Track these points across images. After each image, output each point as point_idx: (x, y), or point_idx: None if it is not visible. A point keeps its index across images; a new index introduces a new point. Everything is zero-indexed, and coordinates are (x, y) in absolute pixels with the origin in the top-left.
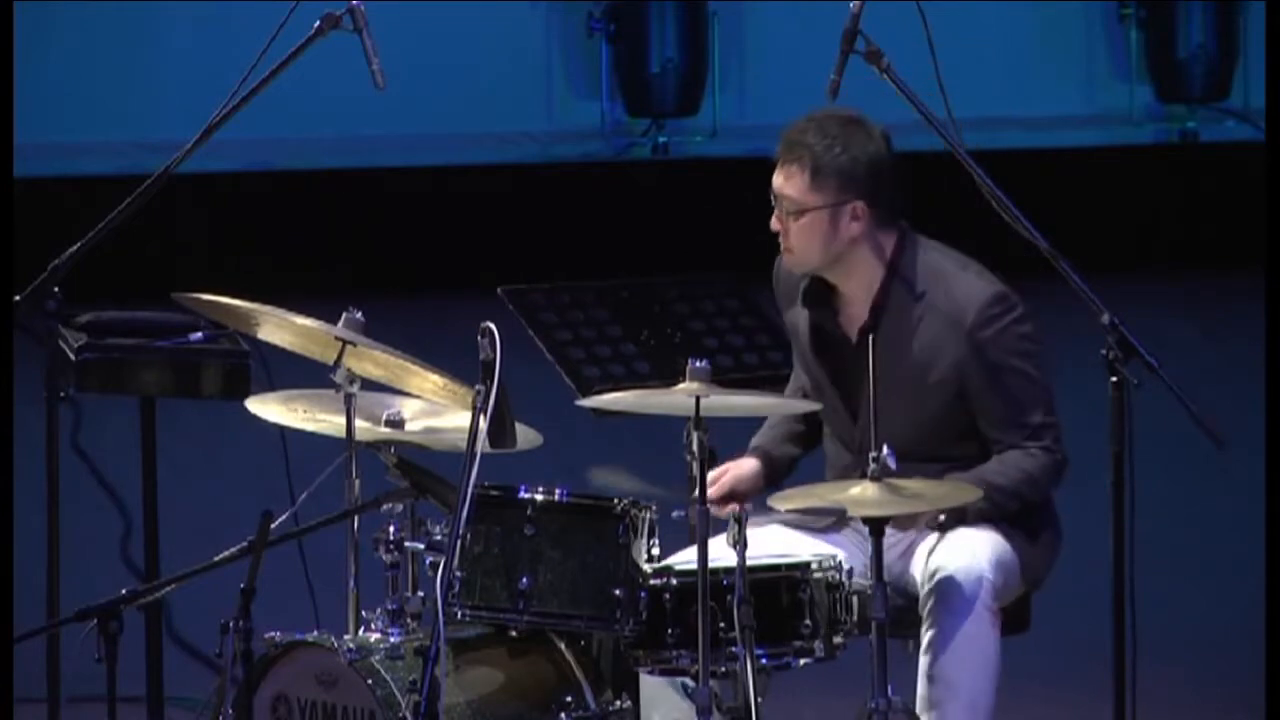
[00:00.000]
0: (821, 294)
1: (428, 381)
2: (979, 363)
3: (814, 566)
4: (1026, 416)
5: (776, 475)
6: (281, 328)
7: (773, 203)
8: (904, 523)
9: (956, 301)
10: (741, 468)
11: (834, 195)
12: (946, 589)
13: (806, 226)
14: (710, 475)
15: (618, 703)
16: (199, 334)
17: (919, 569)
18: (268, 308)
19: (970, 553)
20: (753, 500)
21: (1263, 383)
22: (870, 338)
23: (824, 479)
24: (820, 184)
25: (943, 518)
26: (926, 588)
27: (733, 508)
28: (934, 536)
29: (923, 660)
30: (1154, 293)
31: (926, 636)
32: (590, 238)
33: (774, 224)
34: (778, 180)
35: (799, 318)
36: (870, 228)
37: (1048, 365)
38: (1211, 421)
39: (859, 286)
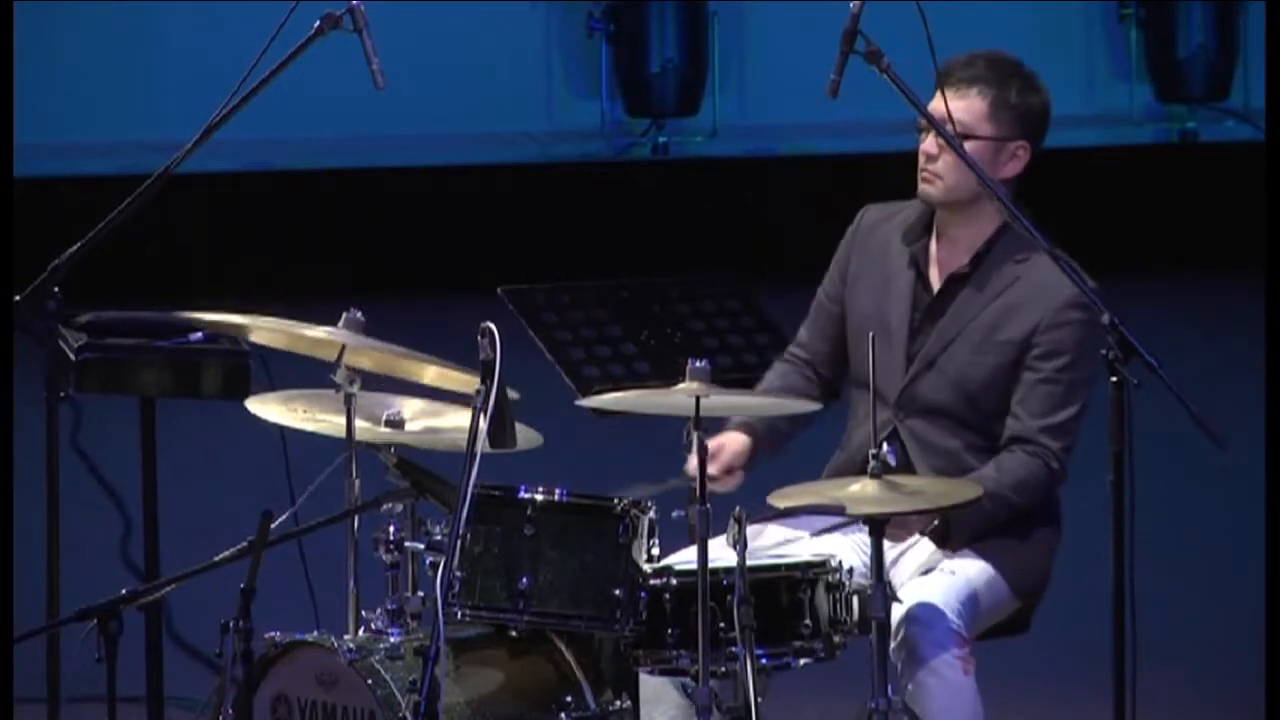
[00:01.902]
0: (923, 233)
1: (429, 371)
2: (1050, 336)
3: (814, 566)
4: (1055, 409)
5: (763, 446)
6: (282, 337)
7: (919, 127)
8: (897, 534)
9: (1054, 278)
10: (734, 442)
11: (1006, 129)
12: (915, 641)
13: (969, 154)
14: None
15: (618, 703)
16: (199, 334)
17: (899, 584)
18: (269, 320)
19: (938, 596)
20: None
21: (1263, 383)
22: (871, 337)
23: (835, 455)
24: (997, 115)
25: (935, 521)
26: (898, 638)
27: (731, 480)
28: (912, 563)
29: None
30: (1154, 293)
31: (906, 689)
32: (590, 238)
33: (928, 145)
34: (947, 104)
35: (886, 259)
36: (1018, 176)
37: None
38: (1212, 421)
39: (970, 235)
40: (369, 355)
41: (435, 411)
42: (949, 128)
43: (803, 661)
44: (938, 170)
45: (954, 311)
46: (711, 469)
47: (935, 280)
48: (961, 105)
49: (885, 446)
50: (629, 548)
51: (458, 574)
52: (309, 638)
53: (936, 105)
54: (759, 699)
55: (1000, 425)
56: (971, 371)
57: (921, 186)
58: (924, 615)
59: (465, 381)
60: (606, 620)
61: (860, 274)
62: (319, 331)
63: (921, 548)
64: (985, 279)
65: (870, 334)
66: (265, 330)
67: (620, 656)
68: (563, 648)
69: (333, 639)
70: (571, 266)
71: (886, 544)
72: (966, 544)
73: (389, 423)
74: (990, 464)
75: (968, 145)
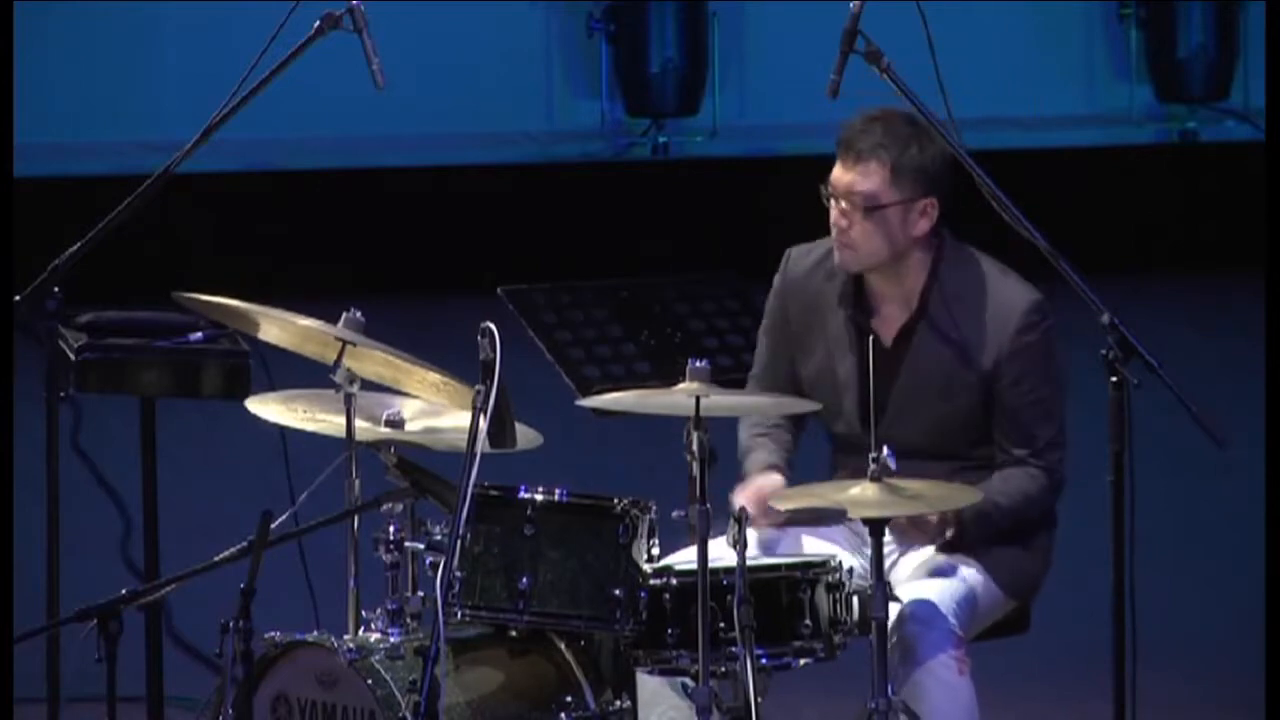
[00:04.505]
0: (860, 294)
1: (427, 380)
2: (1013, 365)
3: (814, 566)
4: (1039, 429)
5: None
6: (281, 328)
7: (827, 199)
8: (904, 535)
9: (1001, 304)
10: (770, 483)
11: (910, 191)
12: (912, 640)
13: (878, 223)
14: (747, 497)
15: (618, 703)
16: (199, 334)
17: (897, 583)
18: (268, 308)
19: (937, 596)
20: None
21: (1262, 383)
22: (870, 339)
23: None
24: (900, 180)
25: (950, 533)
26: (894, 636)
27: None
28: (911, 563)
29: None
30: (1154, 293)
31: (902, 690)
32: (590, 238)
33: (837, 217)
34: (848, 177)
35: (824, 318)
36: (932, 227)
37: (1065, 382)
38: (1212, 421)
39: (905, 289)
40: (370, 366)
41: (435, 411)
42: (854, 198)
43: (803, 661)
44: (850, 241)
45: (911, 361)
46: (753, 509)
47: (883, 334)
48: (863, 176)
49: (885, 450)
50: (629, 548)
51: (458, 574)
52: (309, 638)
53: (837, 176)
54: (759, 699)
55: (981, 449)
56: (944, 415)
57: (838, 256)
58: (922, 614)
59: (465, 394)
60: (606, 620)
61: (803, 334)
62: (316, 323)
63: (920, 548)
64: (933, 324)
65: (870, 339)
66: (270, 321)
67: (620, 656)
68: (563, 648)
69: (333, 639)
70: (571, 266)
71: (888, 544)
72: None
73: (389, 423)
74: (996, 477)
75: (877, 215)
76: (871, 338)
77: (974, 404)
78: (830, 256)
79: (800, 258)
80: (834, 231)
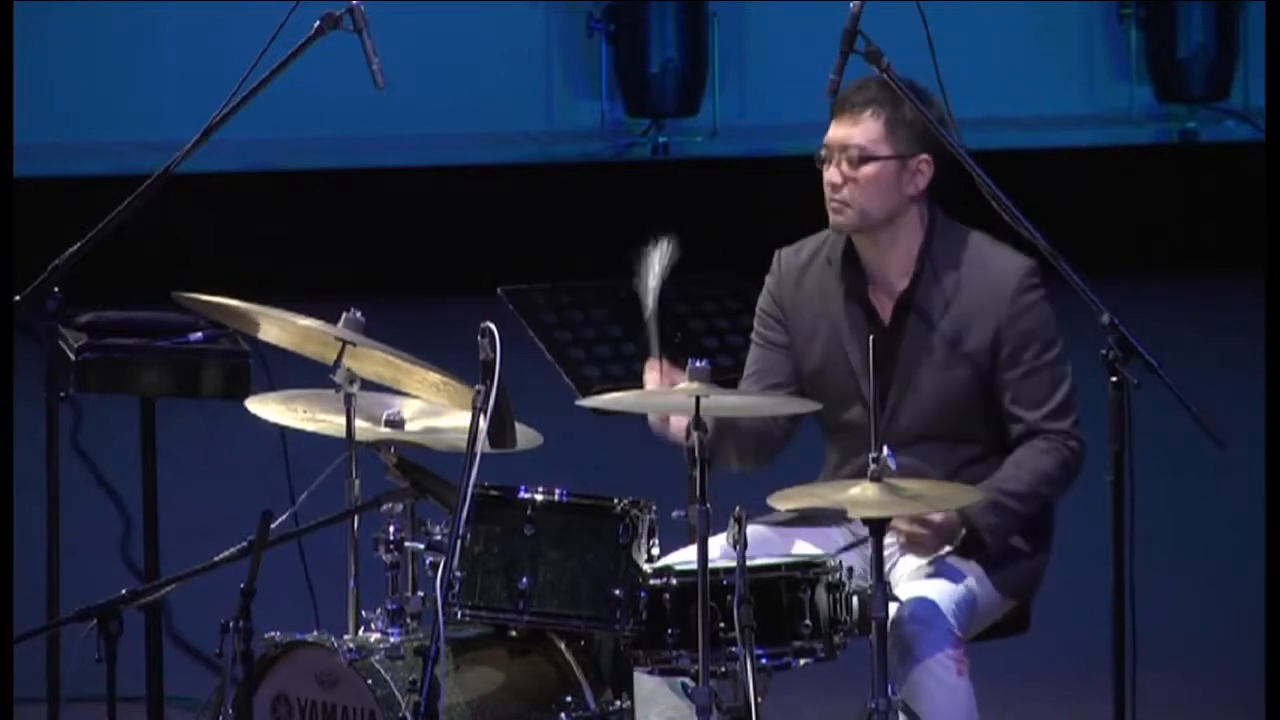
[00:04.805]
0: (856, 269)
1: (427, 380)
2: (1015, 329)
3: (814, 566)
4: (1052, 395)
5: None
6: (281, 328)
7: (820, 159)
8: (920, 549)
9: (996, 270)
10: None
11: (905, 146)
12: (911, 639)
13: (873, 177)
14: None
15: (618, 703)
16: (199, 334)
17: (896, 583)
18: (268, 308)
19: (937, 596)
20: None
21: (1263, 383)
22: (871, 339)
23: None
24: (894, 133)
25: (964, 532)
26: (894, 635)
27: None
28: (910, 563)
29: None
30: (1154, 293)
31: (901, 690)
32: (590, 238)
33: (832, 175)
34: (843, 131)
35: (827, 307)
36: (926, 189)
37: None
38: (1212, 421)
39: (898, 256)
40: (370, 366)
41: (435, 411)
42: (850, 153)
43: (803, 661)
44: (845, 199)
45: (910, 335)
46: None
47: (882, 310)
48: (858, 129)
49: (885, 450)
50: (629, 548)
51: (458, 574)
52: (309, 638)
53: (832, 134)
54: (759, 699)
55: (988, 429)
56: (948, 388)
57: (833, 218)
58: (922, 614)
59: (465, 394)
60: (606, 620)
61: (803, 329)
62: (316, 323)
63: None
64: (930, 293)
65: (871, 339)
66: (270, 321)
67: (620, 656)
68: (563, 648)
69: (333, 639)
70: (571, 266)
71: (888, 544)
72: (1003, 548)
73: (389, 423)
74: (1008, 463)
75: (870, 168)
76: (870, 331)
77: (976, 376)
78: (825, 245)
79: (791, 256)
80: (828, 193)
